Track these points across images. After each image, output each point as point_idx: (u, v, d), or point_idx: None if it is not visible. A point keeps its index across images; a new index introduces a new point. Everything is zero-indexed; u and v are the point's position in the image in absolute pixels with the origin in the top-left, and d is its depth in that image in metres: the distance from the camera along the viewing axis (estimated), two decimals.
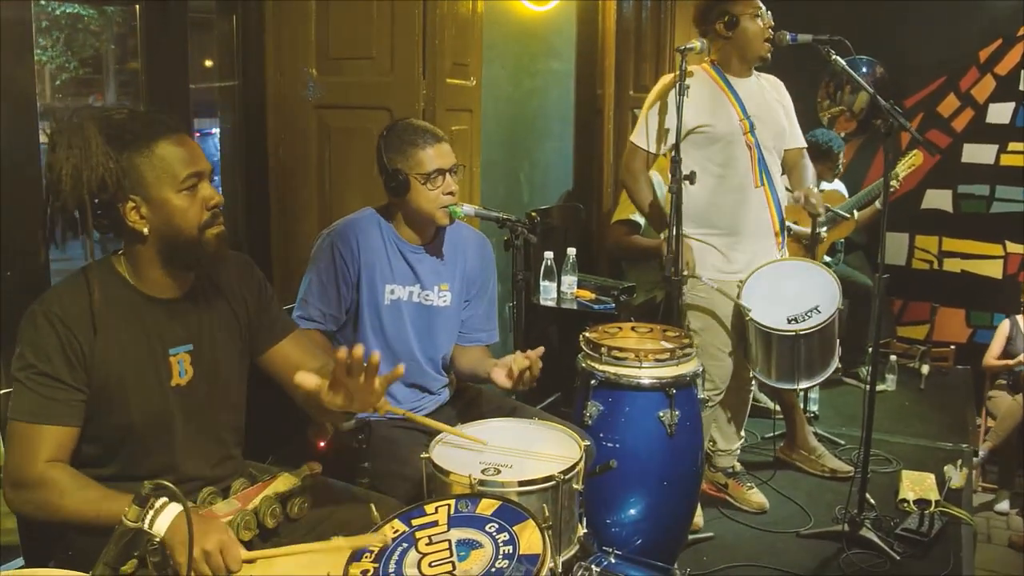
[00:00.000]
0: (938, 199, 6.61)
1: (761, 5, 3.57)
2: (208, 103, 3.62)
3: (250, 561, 1.81)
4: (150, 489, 1.45)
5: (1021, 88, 6.31)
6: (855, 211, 5.23)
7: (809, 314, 3.47)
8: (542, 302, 4.35)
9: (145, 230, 1.93)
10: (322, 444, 2.62)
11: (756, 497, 3.94)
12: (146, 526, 1.69)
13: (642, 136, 3.65)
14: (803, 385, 3.65)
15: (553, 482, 2.08)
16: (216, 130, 3.71)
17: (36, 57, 2.70)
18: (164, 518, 1.70)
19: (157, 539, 1.51)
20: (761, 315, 3.48)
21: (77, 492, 1.84)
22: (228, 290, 2.16)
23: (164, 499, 1.68)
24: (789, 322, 3.46)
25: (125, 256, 2.00)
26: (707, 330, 3.66)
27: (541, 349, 2.59)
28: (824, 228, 4.78)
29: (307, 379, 1.87)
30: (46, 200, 1.87)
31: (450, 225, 2.80)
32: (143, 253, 1.98)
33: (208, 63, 3.59)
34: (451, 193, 2.74)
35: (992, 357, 6.03)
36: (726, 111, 3.57)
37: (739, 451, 4.03)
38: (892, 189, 4.17)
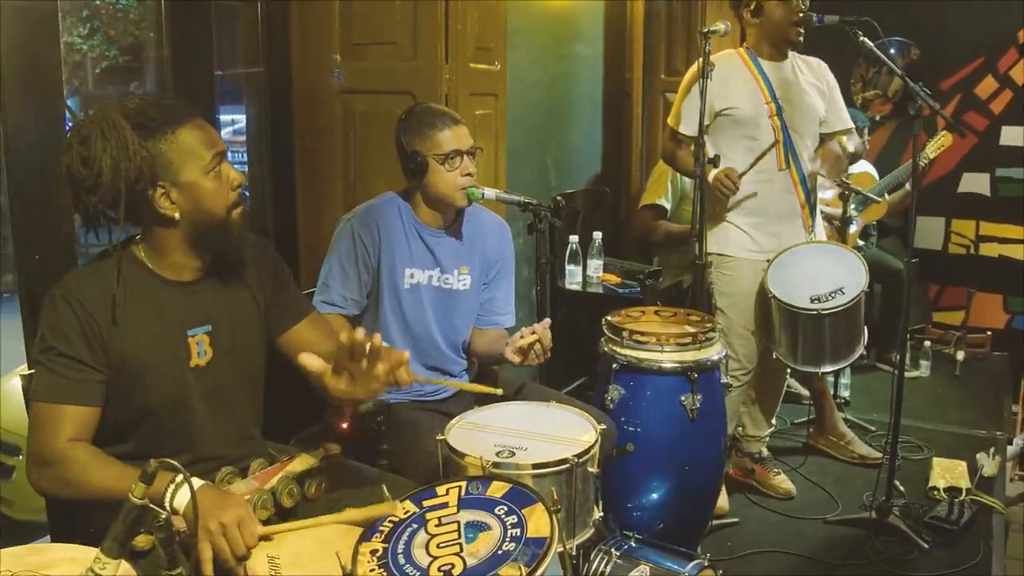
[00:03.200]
0: (975, 183, 6.49)
1: None
2: (234, 90, 3.65)
3: (267, 538, 1.83)
4: (155, 466, 1.47)
5: None
6: (886, 194, 5.16)
7: (833, 295, 3.45)
8: (568, 286, 4.34)
9: (176, 215, 1.96)
10: (343, 426, 2.64)
11: (783, 484, 3.92)
12: (167, 501, 1.73)
13: (677, 119, 3.65)
14: (827, 369, 3.62)
15: (567, 465, 2.08)
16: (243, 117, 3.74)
17: (77, 47, 2.74)
18: (184, 494, 1.74)
19: (164, 515, 1.53)
20: (784, 294, 3.46)
21: (98, 469, 1.87)
22: (245, 272, 2.18)
23: (183, 476, 1.70)
24: (812, 302, 3.43)
25: (145, 242, 2.03)
26: (732, 308, 3.65)
27: (548, 321, 2.61)
28: (855, 210, 4.72)
29: (311, 360, 1.89)
30: (78, 194, 1.89)
31: (468, 207, 2.81)
32: (170, 238, 2.00)
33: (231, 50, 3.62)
34: (469, 175, 2.75)
35: None
36: (753, 94, 3.55)
37: (768, 438, 4.01)
38: (920, 170, 4.11)
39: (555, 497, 1.73)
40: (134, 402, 1.99)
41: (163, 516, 1.53)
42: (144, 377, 1.98)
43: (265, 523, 1.95)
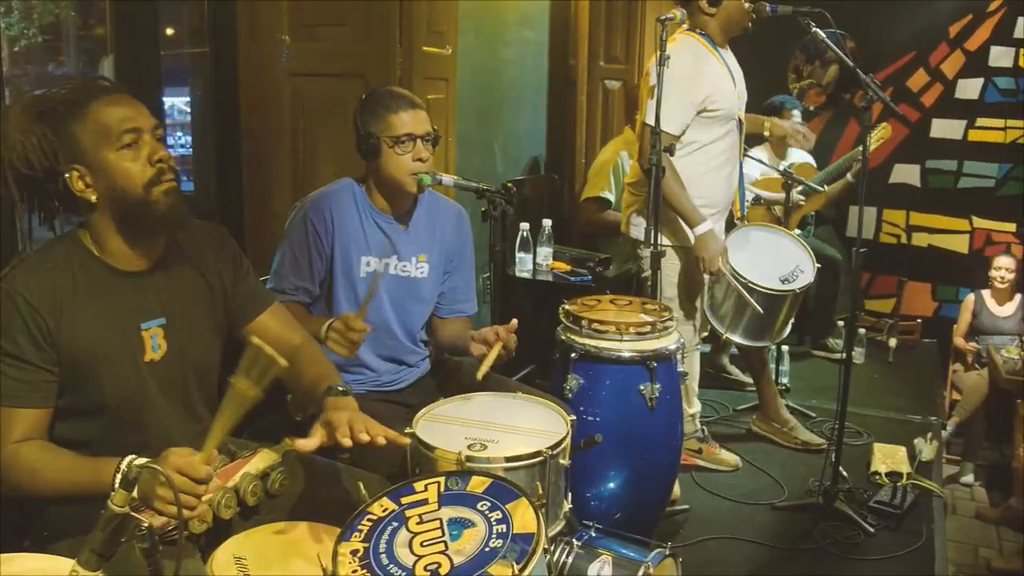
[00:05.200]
0: (906, 173, 6.63)
1: None
2: (178, 70, 3.53)
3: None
4: (137, 471, 1.40)
5: (990, 64, 6.33)
6: (825, 185, 5.24)
7: (795, 274, 3.56)
8: (518, 274, 4.32)
9: (93, 197, 1.88)
10: (299, 418, 2.57)
11: (729, 457, 4.01)
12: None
13: (654, 116, 3.29)
14: (771, 343, 3.92)
15: (541, 457, 2.05)
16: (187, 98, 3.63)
17: None
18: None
19: (145, 524, 1.46)
20: (756, 277, 3.57)
21: (49, 465, 1.80)
22: (200, 261, 2.11)
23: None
24: (783, 282, 3.59)
25: (88, 227, 1.95)
26: (676, 298, 3.68)
27: (514, 323, 2.58)
28: (799, 195, 4.81)
29: (309, 445, 1.93)
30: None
31: (420, 194, 2.75)
32: (100, 222, 1.92)
33: (175, 31, 3.50)
34: (421, 160, 2.67)
35: (960, 333, 6.08)
36: (728, 86, 3.57)
37: (699, 412, 4.07)
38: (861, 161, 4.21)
39: (539, 491, 1.69)
40: (87, 400, 1.92)
41: (145, 525, 1.45)
42: (97, 374, 1.90)
43: (228, 523, 1.90)
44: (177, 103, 3.66)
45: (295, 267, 2.71)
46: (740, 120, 3.63)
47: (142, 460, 1.68)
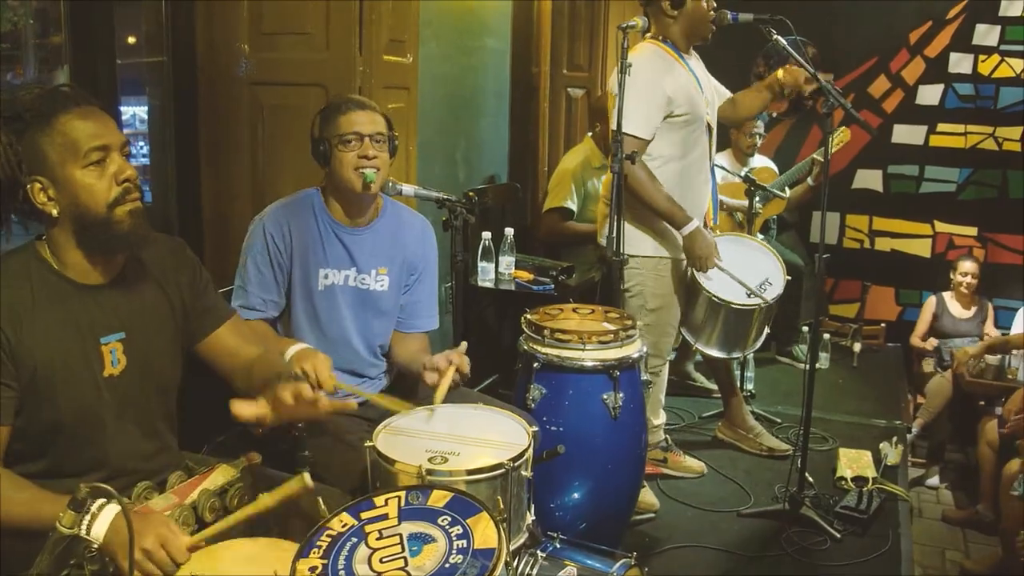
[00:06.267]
0: (869, 179, 6.69)
1: None
2: (135, 79, 3.48)
3: (195, 548, 1.74)
4: (87, 493, 1.36)
5: (950, 70, 6.40)
6: (787, 188, 5.27)
7: (763, 287, 3.57)
8: (480, 283, 4.28)
9: (55, 212, 1.85)
10: (259, 432, 2.53)
11: (694, 463, 4.02)
12: (83, 532, 1.58)
13: (630, 123, 3.33)
14: (744, 353, 3.94)
15: (503, 470, 2.03)
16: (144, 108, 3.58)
17: None
18: (101, 522, 1.60)
19: (95, 545, 1.42)
20: (721, 291, 3.58)
21: (9, 495, 1.75)
22: (160, 275, 2.08)
23: (101, 501, 1.58)
24: (749, 296, 3.59)
25: (47, 240, 1.91)
26: (663, 308, 3.67)
27: (464, 345, 2.57)
28: (759, 202, 4.81)
29: (244, 410, 1.88)
30: None
31: (367, 194, 2.67)
32: (59, 236, 1.89)
33: (133, 39, 3.45)
34: (366, 157, 2.62)
35: (918, 335, 6.13)
36: (695, 92, 3.55)
37: (664, 423, 4.06)
38: (821, 165, 4.23)
39: (500, 506, 1.67)
40: (45, 415, 1.87)
41: (95, 546, 1.41)
42: (55, 388, 1.87)
43: None
44: (139, 112, 3.61)
45: (260, 281, 2.68)
46: (710, 126, 3.62)
47: (115, 507, 1.62)
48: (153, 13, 3.36)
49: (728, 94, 3.92)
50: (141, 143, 3.66)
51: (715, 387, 4.66)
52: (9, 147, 1.78)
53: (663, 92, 3.42)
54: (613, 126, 3.31)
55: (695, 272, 3.59)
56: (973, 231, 6.48)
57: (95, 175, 1.84)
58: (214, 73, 3.38)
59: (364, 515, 1.71)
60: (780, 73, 3.64)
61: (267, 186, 3.37)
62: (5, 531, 1.76)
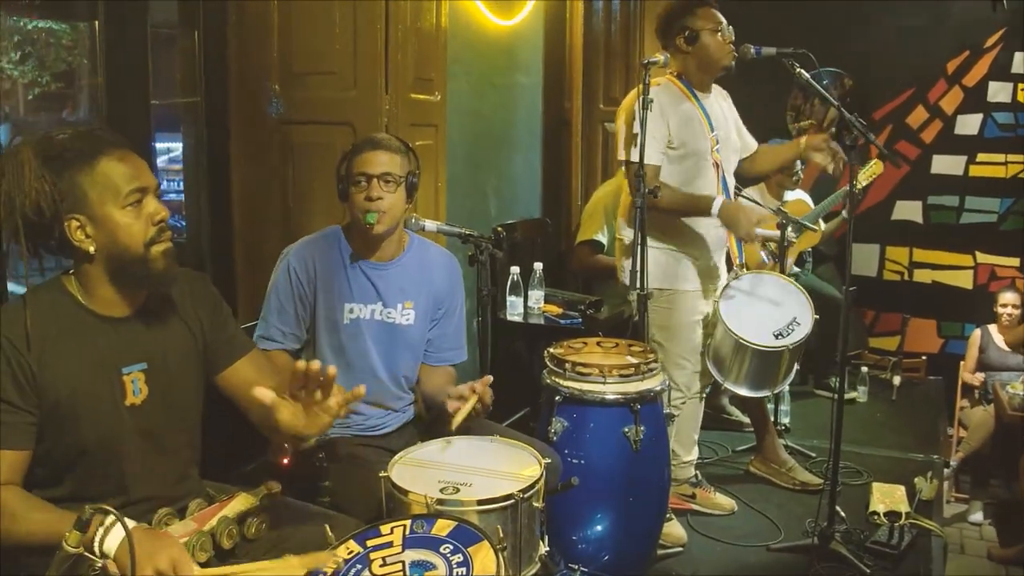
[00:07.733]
0: (908, 210, 6.64)
1: (722, 19, 3.56)
2: (171, 118, 3.59)
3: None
4: (90, 513, 1.41)
5: (988, 99, 6.36)
6: (821, 221, 5.24)
7: (791, 327, 3.53)
8: (509, 317, 4.30)
9: (91, 249, 1.91)
10: (284, 462, 2.58)
11: (724, 500, 3.97)
12: (96, 546, 1.65)
13: (637, 151, 3.36)
14: (773, 391, 3.85)
15: (512, 501, 2.06)
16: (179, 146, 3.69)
17: (8, 72, 2.69)
18: (114, 537, 1.67)
19: (99, 563, 1.47)
20: (746, 332, 3.55)
21: (29, 515, 1.80)
22: (182, 307, 2.13)
23: (113, 517, 1.64)
24: (776, 337, 3.55)
25: (75, 275, 1.98)
26: (669, 340, 3.66)
27: (489, 378, 2.59)
28: (792, 233, 4.79)
29: (263, 393, 1.84)
30: None
31: (377, 234, 2.72)
32: (92, 272, 1.96)
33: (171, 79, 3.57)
34: (370, 198, 2.67)
35: (968, 370, 6.05)
36: (699, 128, 3.56)
37: (696, 460, 4.03)
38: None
39: (501, 535, 1.69)
40: (67, 443, 1.93)
41: (98, 565, 1.47)
42: (77, 417, 1.92)
43: (204, 565, 1.90)
44: (175, 149, 3.72)
45: (281, 314, 2.75)
46: (717, 163, 3.63)
47: (129, 523, 1.68)
48: (187, 54, 3.46)
49: (753, 146, 3.89)
50: (176, 180, 3.76)
51: (748, 420, 4.64)
52: (53, 185, 1.85)
53: (664, 124, 3.45)
54: (620, 156, 3.41)
55: (721, 312, 3.57)
56: (1015, 261, 6.40)
57: (132, 215, 1.92)
58: (246, 112, 3.47)
59: (370, 543, 1.75)
60: (803, 141, 3.65)
61: (297, 222, 3.44)
62: (23, 549, 1.82)
